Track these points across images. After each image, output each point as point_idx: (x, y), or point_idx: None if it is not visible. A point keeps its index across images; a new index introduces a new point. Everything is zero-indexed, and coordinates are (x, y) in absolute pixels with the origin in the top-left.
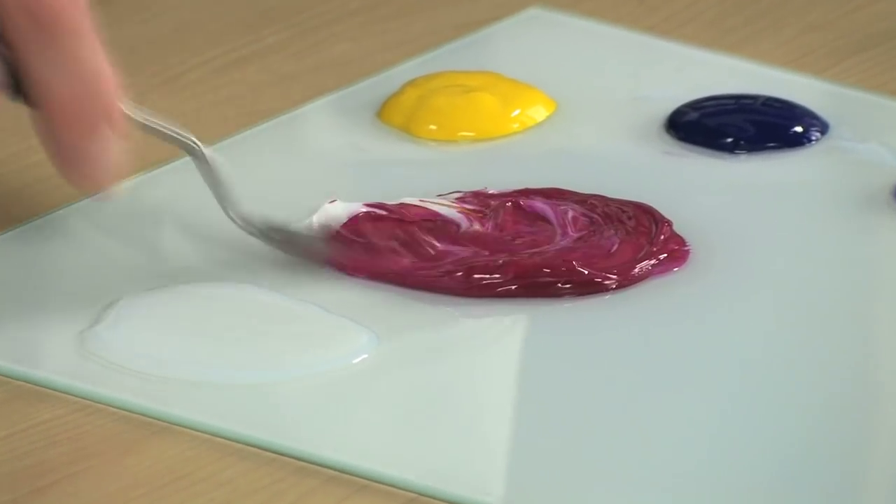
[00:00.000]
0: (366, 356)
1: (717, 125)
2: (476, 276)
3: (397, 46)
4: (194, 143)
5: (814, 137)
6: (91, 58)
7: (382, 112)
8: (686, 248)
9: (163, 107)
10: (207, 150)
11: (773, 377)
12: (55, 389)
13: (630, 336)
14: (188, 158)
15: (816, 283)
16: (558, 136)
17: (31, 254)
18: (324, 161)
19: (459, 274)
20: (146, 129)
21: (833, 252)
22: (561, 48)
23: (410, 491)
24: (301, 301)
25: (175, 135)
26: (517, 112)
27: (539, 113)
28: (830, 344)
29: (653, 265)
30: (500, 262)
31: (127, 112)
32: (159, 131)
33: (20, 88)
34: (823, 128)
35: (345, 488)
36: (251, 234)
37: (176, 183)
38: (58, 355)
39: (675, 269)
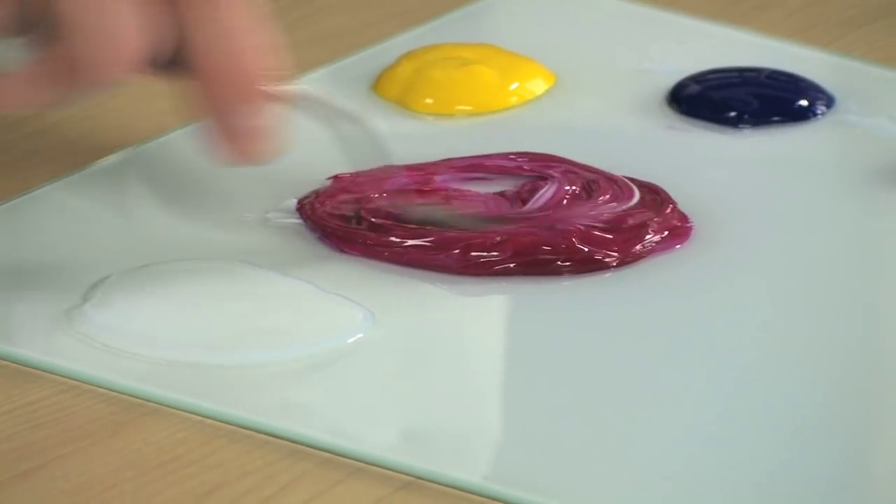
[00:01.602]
0: (361, 335)
1: (720, 99)
2: (473, 253)
3: (393, 18)
4: (359, 115)
5: (819, 111)
6: (237, 29)
7: (378, 85)
8: (689, 225)
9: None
10: (374, 124)
11: (777, 354)
12: (42, 370)
13: (631, 315)
14: (177, 133)
15: (821, 259)
16: (558, 109)
17: (18, 230)
18: (317, 135)
19: (456, 251)
20: (304, 104)
21: (839, 228)
22: (561, 20)
23: (406, 473)
24: (295, 279)
25: (338, 108)
26: (516, 85)
27: (538, 86)
28: (835, 320)
29: (655, 242)
30: (499, 239)
31: (280, 88)
32: (318, 105)
33: (176, 61)
34: (829, 101)
35: (339, 471)
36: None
37: (167, 158)
38: (45, 335)
39: (678, 246)
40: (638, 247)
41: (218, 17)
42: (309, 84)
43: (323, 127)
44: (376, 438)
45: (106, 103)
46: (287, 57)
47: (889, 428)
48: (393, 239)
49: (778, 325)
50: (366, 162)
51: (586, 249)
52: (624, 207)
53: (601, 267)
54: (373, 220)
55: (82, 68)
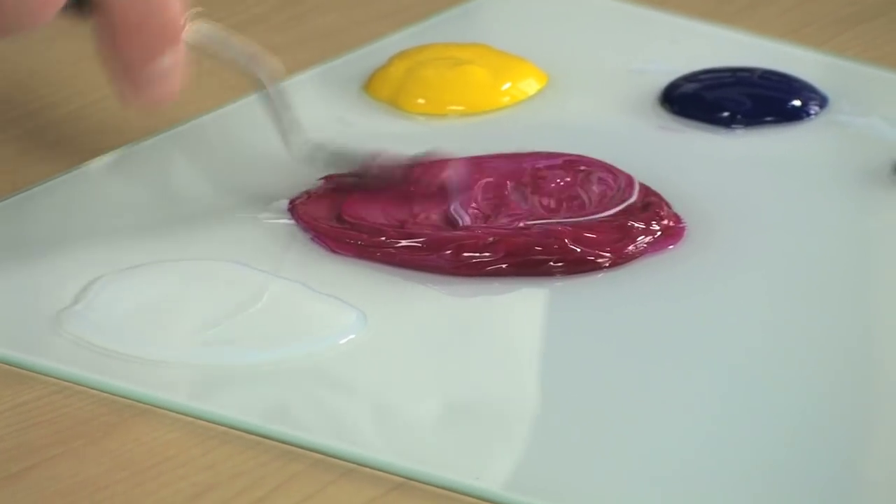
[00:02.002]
0: (353, 336)
1: (713, 99)
2: (466, 254)
3: (385, 17)
4: (259, 60)
5: (812, 111)
6: None
7: (369, 85)
8: (682, 226)
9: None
10: (277, 71)
11: (772, 355)
12: (33, 371)
13: (624, 315)
14: (169, 133)
15: (814, 259)
16: (550, 109)
17: (9, 231)
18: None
19: (448, 252)
20: (212, 45)
21: (832, 228)
22: (553, 20)
23: (397, 475)
24: (287, 280)
25: (241, 53)
26: (508, 85)
27: (530, 86)
28: (830, 321)
29: (647, 243)
30: (491, 240)
31: (193, 30)
32: (224, 47)
33: (81, 3)
34: (822, 101)
35: (330, 472)
36: (315, 163)
37: (158, 158)
38: (36, 336)
39: (671, 247)
40: (630, 247)
41: None
42: (203, 21)
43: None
44: (368, 439)
45: (97, 104)
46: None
47: (885, 427)
48: (383, 239)
49: (772, 325)
50: (267, 100)
51: (579, 250)
52: (616, 210)
53: (594, 268)
54: (349, 219)
55: (8, 18)
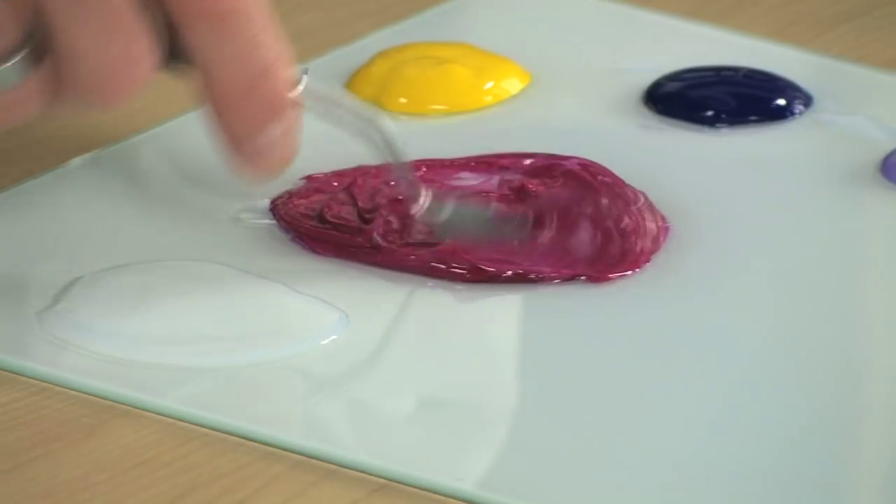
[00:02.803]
0: (335, 337)
1: (697, 98)
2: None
3: (367, 16)
4: (375, 121)
5: (797, 110)
6: (259, 44)
7: (351, 84)
8: (667, 226)
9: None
10: (385, 121)
11: (757, 355)
12: (12, 372)
13: (606, 317)
14: (148, 133)
15: (800, 259)
16: (533, 109)
17: None
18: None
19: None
20: (321, 106)
21: (817, 227)
22: (536, 18)
23: (380, 476)
24: (268, 280)
25: (354, 115)
26: (491, 84)
27: (513, 85)
28: (816, 320)
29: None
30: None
31: (297, 98)
32: (336, 107)
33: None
34: (807, 100)
35: (312, 474)
36: (437, 223)
37: (138, 158)
38: (16, 336)
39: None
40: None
41: (232, 27)
42: (313, 80)
43: (333, 125)
44: (351, 441)
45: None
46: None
47: (874, 424)
48: (359, 240)
49: (758, 326)
50: (382, 159)
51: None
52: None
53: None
54: (331, 219)
55: (88, 92)
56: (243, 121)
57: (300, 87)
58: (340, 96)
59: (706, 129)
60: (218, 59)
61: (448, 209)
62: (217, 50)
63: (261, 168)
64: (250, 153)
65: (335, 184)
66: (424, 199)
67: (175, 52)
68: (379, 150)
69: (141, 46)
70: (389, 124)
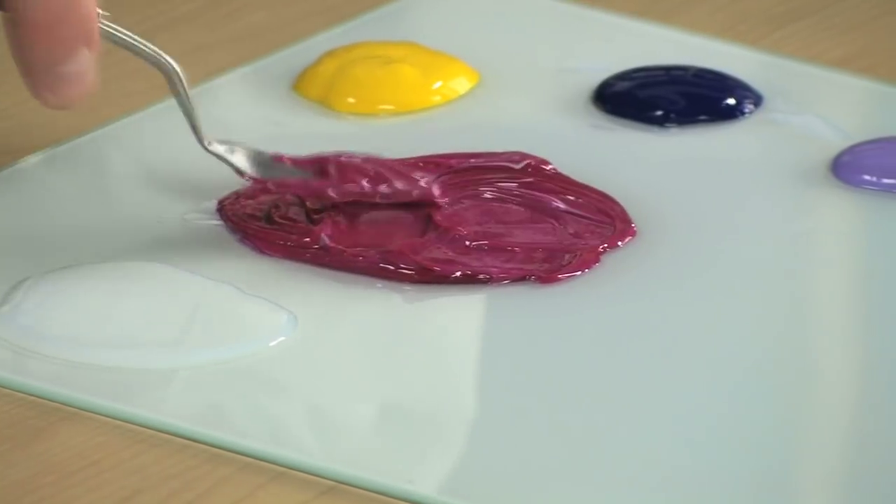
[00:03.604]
0: (284, 338)
1: (646, 97)
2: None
3: (314, 15)
4: (170, 62)
5: (747, 110)
6: None
7: (299, 84)
8: (633, 227)
9: None
10: (181, 72)
11: (709, 355)
12: None
13: (558, 317)
14: (95, 133)
15: (754, 259)
16: (482, 108)
17: None
18: (237, 136)
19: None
20: (121, 44)
21: (768, 227)
22: (484, 17)
23: (328, 478)
24: (215, 281)
25: (151, 52)
26: (439, 84)
27: (461, 85)
28: (768, 319)
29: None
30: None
31: (103, 28)
32: (135, 47)
33: None
34: (757, 100)
35: (260, 476)
36: (222, 160)
37: (85, 158)
38: None
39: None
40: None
41: None
42: (123, 30)
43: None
44: (299, 442)
45: (24, 104)
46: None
47: (824, 420)
48: (307, 240)
49: (708, 323)
50: (186, 114)
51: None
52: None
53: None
54: (279, 219)
55: None
56: (46, 49)
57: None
58: (134, 39)
59: (656, 128)
60: None
61: (238, 147)
62: None
63: (60, 98)
64: (50, 82)
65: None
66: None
67: None
68: (178, 95)
69: None
70: (177, 65)
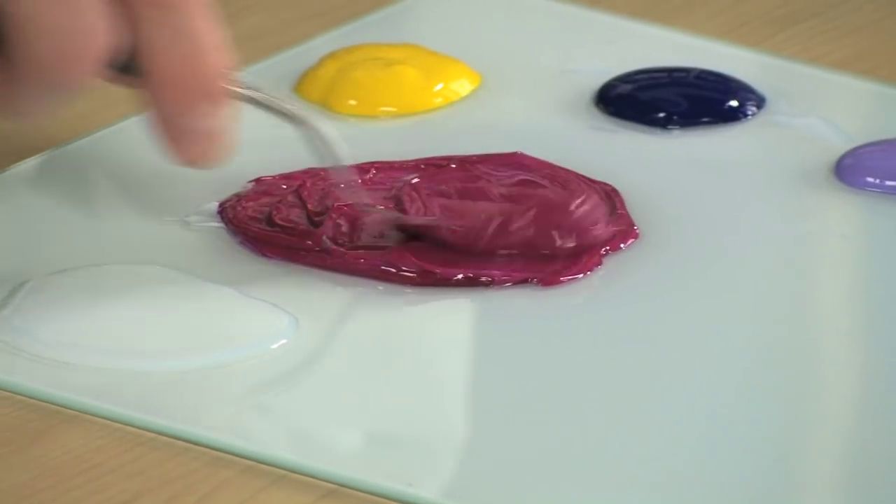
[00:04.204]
0: (285, 341)
1: (648, 99)
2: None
3: (315, 18)
4: (306, 117)
5: (749, 112)
6: (197, 31)
7: (300, 86)
8: (635, 229)
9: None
10: (323, 125)
11: (712, 357)
12: None
13: (561, 320)
14: (96, 135)
15: (756, 262)
16: (483, 110)
17: None
18: (240, 137)
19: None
20: (252, 102)
21: (770, 229)
22: (486, 19)
23: (329, 481)
24: (216, 284)
25: (284, 109)
26: (440, 86)
27: (463, 87)
28: (771, 321)
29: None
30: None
31: (231, 87)
32: (267, 106)
33: (130, 64)
34: (759, 102)
35: (261, 479)
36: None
37: (86, 161)
38: None
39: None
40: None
41: (175, 15)
42: (255, 81)
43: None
44: (299, 446)
45: None
46: (233, 54)
47: (828, 422)
48: (310, 243)
49: (711, 326)
50: (321, 161)
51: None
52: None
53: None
54: (280, 222)
55: (45, 69)
56: (174, 98)
57: (237, 80)
58: (279, 98)
59: (658, 130)
60: (157, 41)
61: (393, 219)
62: (157, 32)
63: (191, 151)
64: (179, 133)
65: (284, 186)
66: (374, 210)
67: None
68: (319, 154)
69: (96, 19)
70: (328, 128)
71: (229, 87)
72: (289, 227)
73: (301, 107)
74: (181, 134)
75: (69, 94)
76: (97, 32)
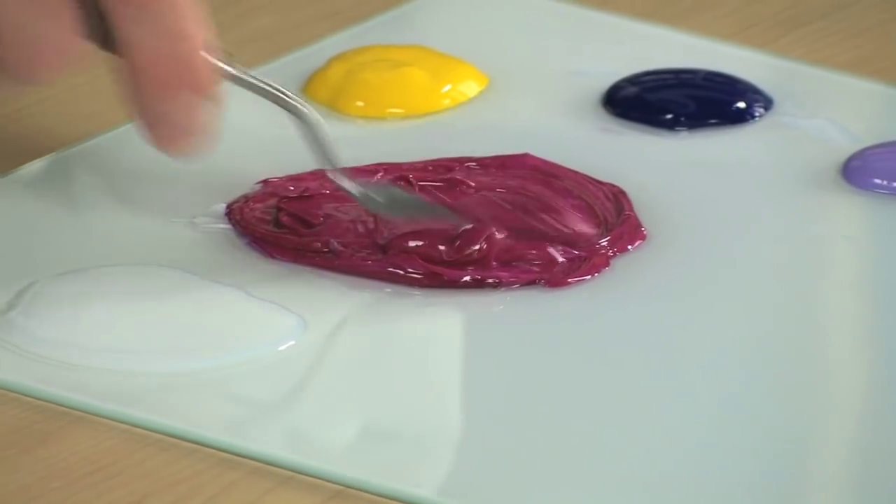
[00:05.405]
0: (293, 342)
1: (656, 101)
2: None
3: (323, 19)
4: (296, 101)
5: (757, 113)
6: (178, 18)
7: (308, 87)
8: (643, 231)
9: (77, 83)
10: (310, 110)
11: (721, 359)
12: None
13: (568, 322)
14: (103, 137)
15: (764, 263)
16: (491, 112)
17: None
18: (246, 139)
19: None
20: (242, 83)
21: (781, 232)
22: (493, 20)
23: (336, 483)
24: (224, 285)
25: (275, 92)
26: (448, 87)
27: (471, 88)
28: (779, 322)
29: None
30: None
31: (220, 68)
32: (257, 87)
33: (108, 40)
34: (767, 103)
35: (269, 480)
36: (352, 197)
37: (93, 163)
38: None
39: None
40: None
41: (153, 13)
42: (244, 70)
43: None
44: (308, 447)
45: (31, 107)
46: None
47: (834, 423)
48: (319, 245)
49: (719, 327)
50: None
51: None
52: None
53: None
54: (286, 223)
55: (10, 68)
56: (151, 87)
57: (218, 69)
58: (256, 79)
59: (665, 132)
60: (135, 38)
61: (385, 192)
62: (136, 30)
63: (168, 140)
64: (156, 122)
65: (291, 188)
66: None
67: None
68: (306, 140)
69: (66, 23)
70: (314, 112)
71: (214, 66)
72: (295, 228)
73: (290, 92)
74: (157, 121)
75: (38, 85)
76: (65, 33)
